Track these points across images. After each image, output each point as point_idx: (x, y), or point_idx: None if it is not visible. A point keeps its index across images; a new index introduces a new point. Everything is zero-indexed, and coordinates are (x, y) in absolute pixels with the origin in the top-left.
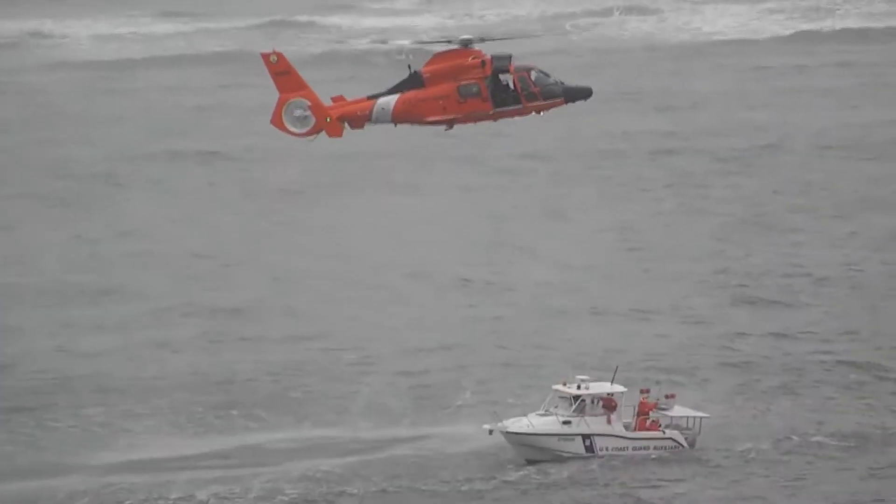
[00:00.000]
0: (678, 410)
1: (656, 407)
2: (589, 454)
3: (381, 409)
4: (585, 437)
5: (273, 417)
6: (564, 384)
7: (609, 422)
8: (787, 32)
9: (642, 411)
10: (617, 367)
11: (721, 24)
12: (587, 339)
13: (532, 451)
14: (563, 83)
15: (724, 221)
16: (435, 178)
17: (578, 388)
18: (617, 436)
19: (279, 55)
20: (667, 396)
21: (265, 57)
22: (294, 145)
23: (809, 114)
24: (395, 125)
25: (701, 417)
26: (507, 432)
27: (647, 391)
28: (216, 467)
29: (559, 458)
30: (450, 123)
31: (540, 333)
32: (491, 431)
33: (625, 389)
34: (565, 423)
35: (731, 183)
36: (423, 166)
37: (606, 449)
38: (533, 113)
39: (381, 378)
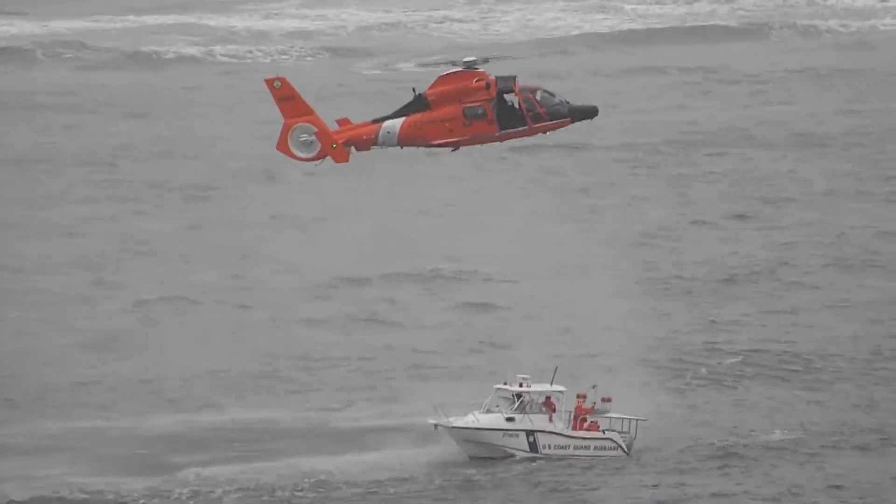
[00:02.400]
0: (613, 414)
1: (593, 410)
2: (532, 451)
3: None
4: (529, 433)
5: None
6: (505, 383)
7: (551, 420)
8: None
9: (578, 414)
10: (556, 367)
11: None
12: (526, 339)
13: (477, 447)
14: (568, 103)
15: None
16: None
17: (520, 386)
18: (559, 434)
19: (283, 80)
20: (603, 400)
21: (269, 82)
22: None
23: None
24: (402, 148)
25: (637, 420)
26: (453, 427)
27: (584, 396)
28: None
29: (503, 455)
30: (456, 146)
31: (478, 333)
32: (436, 427)
33: (564, 389)
34: (509, 419)
35: (636, 181)
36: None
37: (549, 447)
38: (540, 133)
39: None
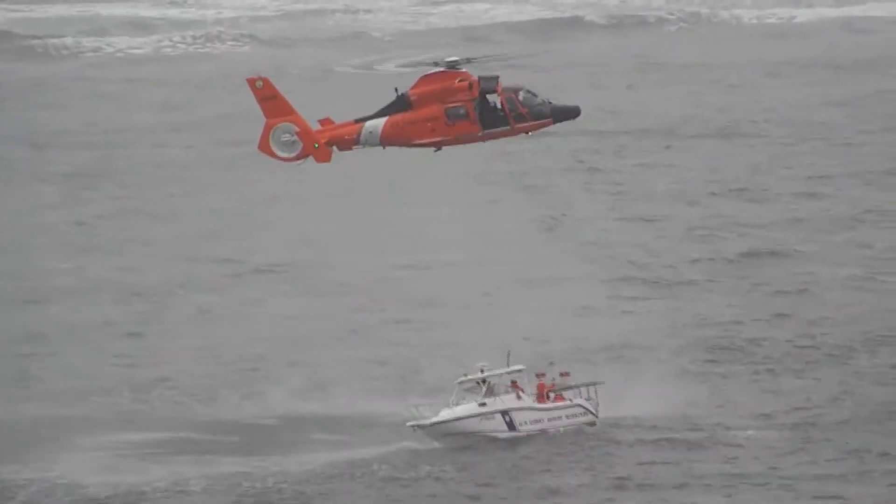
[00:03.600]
0: (574, 383)
1: (554, 387)
2: (511, 430)
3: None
4: (504, 413)
5: None
6: (466, 375)
7: (519, 397)
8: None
9: (541, 393)
10: (509, 351)
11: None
12: (483, 329)
13: (457, 438)
14: (551, 103)
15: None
16: None
17: (482, 371)
18: (532, 409)
19: (265, 80)
20: (561, 375)
21: (251, 82)
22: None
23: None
24: (384, 148)
25: (596, 385)
26: (433, 423)
27: (543, 374)
28: None
29: (484, 441)
30: (438, 146)
31: (442, 327)
32: (414, 428)
33: (524, 367)
34: (481, 404)
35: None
36: None
37: (525, 423)
38: (522, 134)
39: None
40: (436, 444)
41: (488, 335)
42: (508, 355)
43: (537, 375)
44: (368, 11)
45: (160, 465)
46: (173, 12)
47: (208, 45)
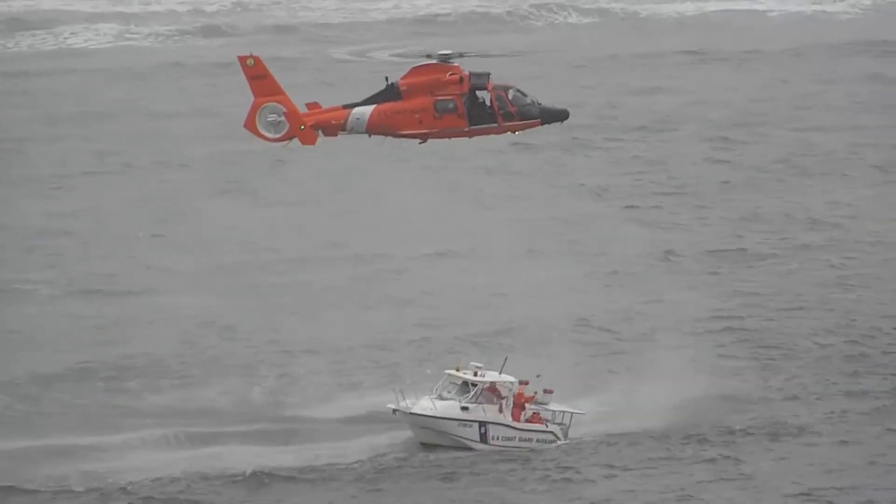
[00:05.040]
0: (554, 406)
1: (534, 400)
2: (482, 442)
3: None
4: (481, 424)
5: None
6: (458, 369)
7: (500, 410)
8: None
9: (518, 402)
10: (506, 357)
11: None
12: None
13: (430, 434)
14: (540, 104)
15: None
16: None
17: (475, 374)
18: (507, 425)
19: (256, 59)
20: (545, 391)
21: (241, 60)
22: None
23: None
24: (370, 136)
25: (573, 413)
26: (412, 413)
27: (527, 382)
28: None
29: (455, 444)
30: (424, 137)
31: (430, 312)
32: (395, 411)
33: (514, 380)
34: (464, 408)
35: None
36: None
37: (497, 438)
38: (508, 132)
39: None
40: (409, 438)
41: (464, 333)
42: (504, 361)
43: (520, 382)
44: (307, 7)
45: (138, 453)
46: (119, 7)
47: (159, 38)
